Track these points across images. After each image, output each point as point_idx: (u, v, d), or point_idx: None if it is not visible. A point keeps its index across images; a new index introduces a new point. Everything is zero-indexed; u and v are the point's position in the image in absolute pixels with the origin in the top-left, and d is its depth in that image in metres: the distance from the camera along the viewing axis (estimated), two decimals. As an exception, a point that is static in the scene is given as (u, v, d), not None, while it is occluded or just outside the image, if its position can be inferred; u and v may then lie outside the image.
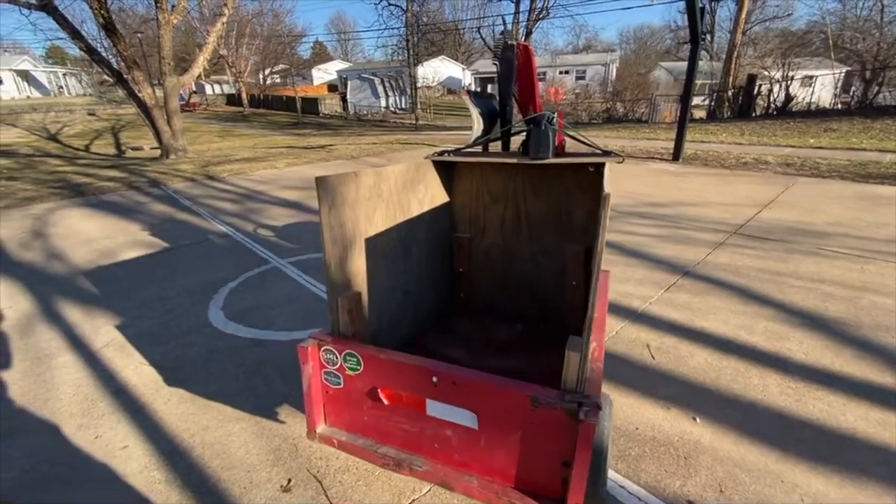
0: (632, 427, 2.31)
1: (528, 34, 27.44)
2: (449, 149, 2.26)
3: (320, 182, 1.43)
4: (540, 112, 2.00)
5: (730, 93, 17.71)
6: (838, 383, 2.59)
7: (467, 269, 2.59)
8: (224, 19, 13.42)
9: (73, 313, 3.71)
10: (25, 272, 4.63)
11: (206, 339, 3.26)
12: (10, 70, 42.15)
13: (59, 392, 2.70)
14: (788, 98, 16.59)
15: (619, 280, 4.00)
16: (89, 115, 26.95)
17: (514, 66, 2.08)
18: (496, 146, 2.56)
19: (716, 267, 4.23)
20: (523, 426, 1.27)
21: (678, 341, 3.07)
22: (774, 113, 16.56)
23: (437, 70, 41.20)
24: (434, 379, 1.35)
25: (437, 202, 2.33)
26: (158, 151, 12.96)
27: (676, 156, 9.83)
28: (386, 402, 1.45)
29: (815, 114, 15.99)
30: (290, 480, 2.03)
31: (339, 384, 1.54)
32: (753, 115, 16.74)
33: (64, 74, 47.17)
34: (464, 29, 42.45)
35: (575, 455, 1.18)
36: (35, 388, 2.74)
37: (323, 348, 1.53)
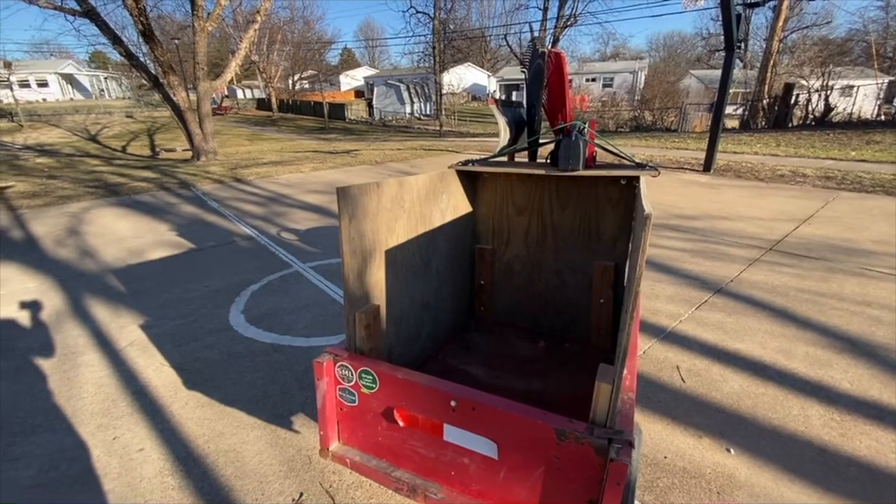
0: (660, 455, 2.18)
1: (556, 41, 27.25)
2: (474, 158, 2.20)
3: (341, 193, 1.39)
4: (570, 121, 1.92)
5: (764, 102, 17.11)
6: (888, 417, 2.40)
7: (489, 281, 2.51)
8: (256, 26, 13.77)
9: (101, 311, 3.78)
10: (59, 268, 4.77)
11: (226, 342, 3.27)
12: (55, 73, 44.35)
13: (82, 390, 2.74)
14: (828, 108, 15.92)
15: (646, 296, 3.85)
16: (127, 117, 28.07)
17: (544, 74, 2.01)
18: (522, 156, 2.48)
19: (751, 285, 4.03)
20: (547, 460, 1.18)
21: (710, 364, 2.91)
22: (813, 123, 15.92)
23: (462, 77, 41.34)
24: (453, 403, 1.28)
25: (459, 212, 2.26)
26: (190, 153, 13.33)
27: (708, 166, 9.53)
28: (401, 423, 1.38)
29: (857, 125, 15.28)
30: (301, 494, 1.98)
31: (354, 402, 1.48)
32: (790, 125, 16.12)
33: (105, 78, 49.36)
34: (490, 36, 42.53)
35: (602, 496, 1.08)
36: (59, 386, 2.79)
37: (338, 364, 1.48)
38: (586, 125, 1.89)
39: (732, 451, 2.20)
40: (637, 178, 1.80)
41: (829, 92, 15.92)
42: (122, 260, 4.99)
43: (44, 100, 41.40)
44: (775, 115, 16.32)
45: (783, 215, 6.18)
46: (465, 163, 2.17)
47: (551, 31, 26.64)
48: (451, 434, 1.31)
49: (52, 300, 4.01)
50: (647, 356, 2.99)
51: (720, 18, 9.95)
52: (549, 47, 2.10)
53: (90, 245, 5.54)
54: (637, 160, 1.94)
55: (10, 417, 2.51)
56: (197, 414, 2.52)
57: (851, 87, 17.86)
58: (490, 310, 2.59)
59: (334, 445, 1.57)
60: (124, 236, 5.87)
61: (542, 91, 2.00)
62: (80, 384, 2.80)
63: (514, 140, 2.28)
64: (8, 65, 26.41)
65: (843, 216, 6.09)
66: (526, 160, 2.45)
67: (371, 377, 1.42)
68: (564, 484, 1.18)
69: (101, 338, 3.37)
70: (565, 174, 1.87)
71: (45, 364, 3.03)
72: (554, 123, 2.29)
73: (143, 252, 5.24)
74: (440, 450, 1.35)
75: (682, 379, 2.75)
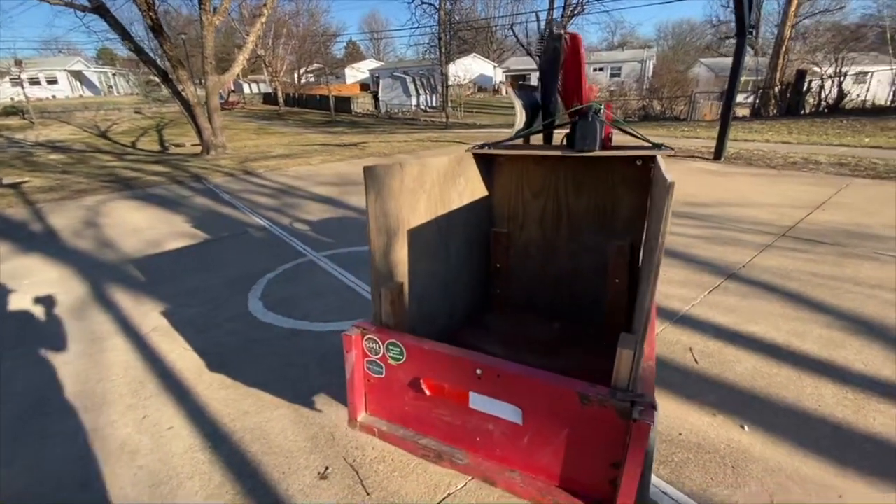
0: (675, 432, 2.22)
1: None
2: (490, 142, 2.23)
3: (368, 171, 1.43)
4: (587, 103, 1.94)
5: (776, 89, 16.86)
6: (903, 396, 2.42)
7: (505, 264, 2.55)
8: (263, 20, 13.78)
9: (123, 299, 3.88)
10: (79, 259, 4.89)
11: (246, 327, 3.35)
12: (64, 70, 44.74)
13: (111, 373, 2.83)
14: (841, 95, 15.65)
15: (659, 281, 3.87)
16: (136, 113, 28.28)
17: (560, 57, 2.03)
18: (537, 140, 2.51)
19: (763, 270, 4.03)
20: (570, 424, 1.23)
21: (723, 346, 2.94)
22: (826, 110, 15.66)
23: (468, 68, 41.12)
24: (478, 371, 1.33)
25: (476, 196, 2.30)
26: (199, 148, 13.44)
27: (718, 154, 9.44)
28: (428, 393, 1.44)
29: (871, 112, 15.02)
30: (327, 468, 2.05)
31: (381, 373, 1.54)
32: (802, 112, 15.89)
33: (113, 74, 49.74)
34: (496, 27, 42.19)
35: (626, 456, 1.13)
36: (88, 369, 2.88)
37: (366, 337, 1.54)
38: (602, 107, 1.91)
39: (747, 427, 2.24)
40: (654, 158, 1.82)
41: (842, 78, 15.64)
42: (139, 250, 5.09)
43: (53, 97, 41.81)
44: (787, 102, 16.08)
45: (796, 202, 6.14)
46: (482, 146, 2.20)
47: (558, 19, 26.35)
48: (477, 401, 1.36)
49: (75, 289, 4.12)
50: (659, 338, 3.02)
51: (730, 5, 9.80)
52: (566, 30, 2.12)
53: (107, 236, 5.65)
54: (653, 141, 1.96)
55: (44, 399, 2.61)
56: (221, 395, 2.60)
57: (865, 73, 17.53)
58: (506, 293, 2.63)
59: (362, 416, 1.63)
60: (140, 227, 5.98)
61: (557, 74, 2.03)
62: (108, 367, 2.89)
63: (529, 123, 2.31)
64: (19, 63, 26.66)
65: (857, 202, 6.03)
66: (541, 144, 2.48)
67: (398, 349, 1.47)
68: (588, 447, 1.23)
69: (124, 324, 3.46)
70: (582, 154, 1.90)
71: (73, 350, 3.13)
72: (569, 106, 2.31)
73: (160, 243, 5.34)
74: (466, 417, 1.41)
75: (696, 360, 2.79)
